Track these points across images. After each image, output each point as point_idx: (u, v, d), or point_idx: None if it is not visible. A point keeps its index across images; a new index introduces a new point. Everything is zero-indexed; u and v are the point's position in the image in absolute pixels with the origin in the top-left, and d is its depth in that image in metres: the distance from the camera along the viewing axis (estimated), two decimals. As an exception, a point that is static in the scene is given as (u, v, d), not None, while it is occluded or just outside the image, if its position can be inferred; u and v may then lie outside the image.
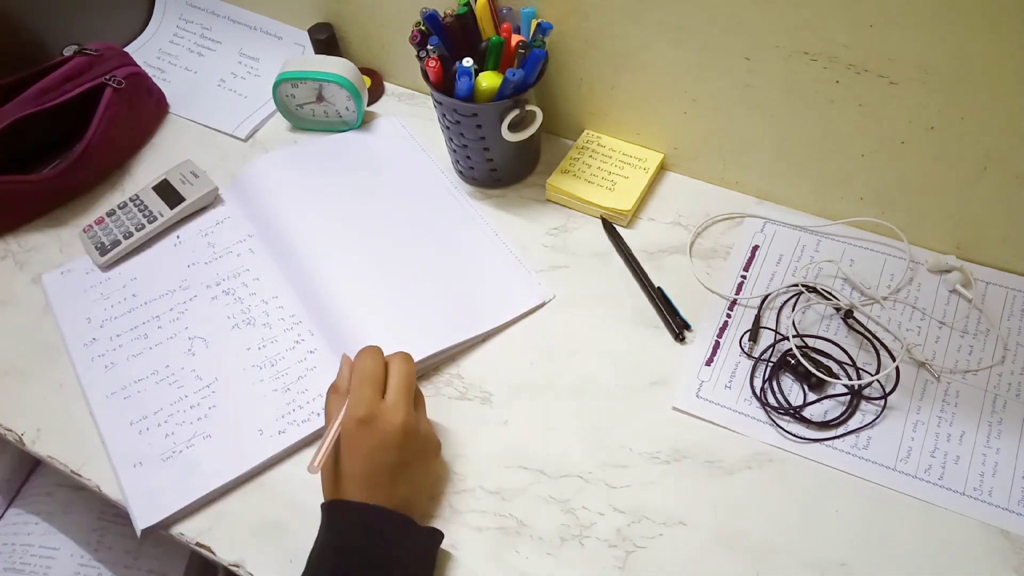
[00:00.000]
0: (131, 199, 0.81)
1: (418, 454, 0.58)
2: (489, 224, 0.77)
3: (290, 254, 0.75)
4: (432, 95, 0.75)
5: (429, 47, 0.70)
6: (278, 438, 0.64)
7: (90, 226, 0.79)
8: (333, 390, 0.59)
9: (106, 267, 0.77)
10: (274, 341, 0.70)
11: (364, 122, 0.89)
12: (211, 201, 0.82)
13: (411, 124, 0.89)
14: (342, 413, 0.56)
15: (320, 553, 0.54)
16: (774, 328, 0.69)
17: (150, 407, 0.67)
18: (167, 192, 0.81)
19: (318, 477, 0.56)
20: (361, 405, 0.56)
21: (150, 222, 0.79)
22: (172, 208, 0.79)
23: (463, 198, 0.80)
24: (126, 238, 0.78)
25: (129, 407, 0.67)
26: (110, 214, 0.80)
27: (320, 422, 0.64)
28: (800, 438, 0.62)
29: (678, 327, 0.69)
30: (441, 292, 0.72)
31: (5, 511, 0.89)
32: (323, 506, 0.56)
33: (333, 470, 0.56)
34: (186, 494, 0.61)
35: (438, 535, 0.58)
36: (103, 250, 0.77)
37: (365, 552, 0.53)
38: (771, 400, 0.65)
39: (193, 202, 0.80)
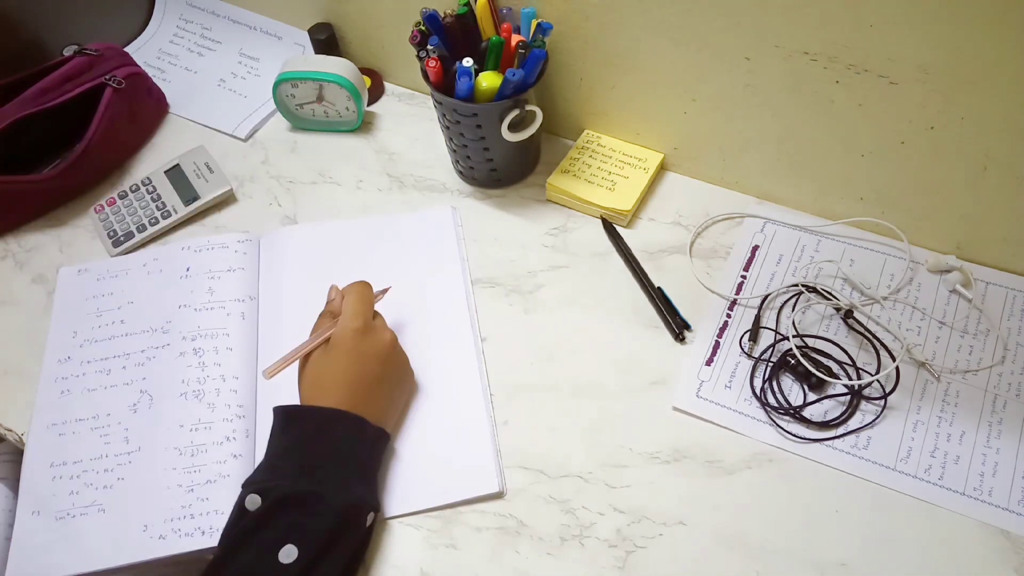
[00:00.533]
0: (143, 182, 0.82)
1: (398, 372, 0.65)
2: (487, 371, 0.68)
3: (272, 340, 0.70)
4: (432, 95, 0.75)
5: (429, 47, 0.70)
6: (156, 543, 0.59)
7: (102, 206, 0.80)
8: (327, 314, 0.64)
9: (115, 255, 0.78)
10: (208, 427, 0.64)
11: (365, 122, 0.89)
12: (225, 199, 0.82)
13: (412, 126, 0.89)
14: (329, 328, 0.61)
15: (299, 447, 0.57)
16: (774, 328, 0.69)
17: (73, 454, 0.64)
18: (180, 182, 0.81)
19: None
20: (359, 317, 0.62)
21: (164, 217, 0.80)
22: (187, 205, 0.80)
23: (477, 329, 0.71)
24: (140, 231, 0.79)
25: (58, 447, 0.64)
26: (122, 196, 0.81)
27: (200, 543, 0.59)
28: (800, 438, 0.62)
29: (678, 327, 0.69)
30: (397, 453, 0.64)
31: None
32: (305, 408, 0.59)
33: (318, 376, 0.60)
34: (59, 567, 0.59)
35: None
36: (116, 240, 0.78)
37: (343, 455, 0.57)
38: (771, 400, 0.65)
39: (207, 201, 0.81)
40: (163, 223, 0.80)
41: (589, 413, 0.65)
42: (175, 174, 0.82)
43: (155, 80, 0.91)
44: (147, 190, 0.81)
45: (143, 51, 0.99)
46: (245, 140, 0.90)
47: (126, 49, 0.92)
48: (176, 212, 0.80)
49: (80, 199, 0.84)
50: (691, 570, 0.57)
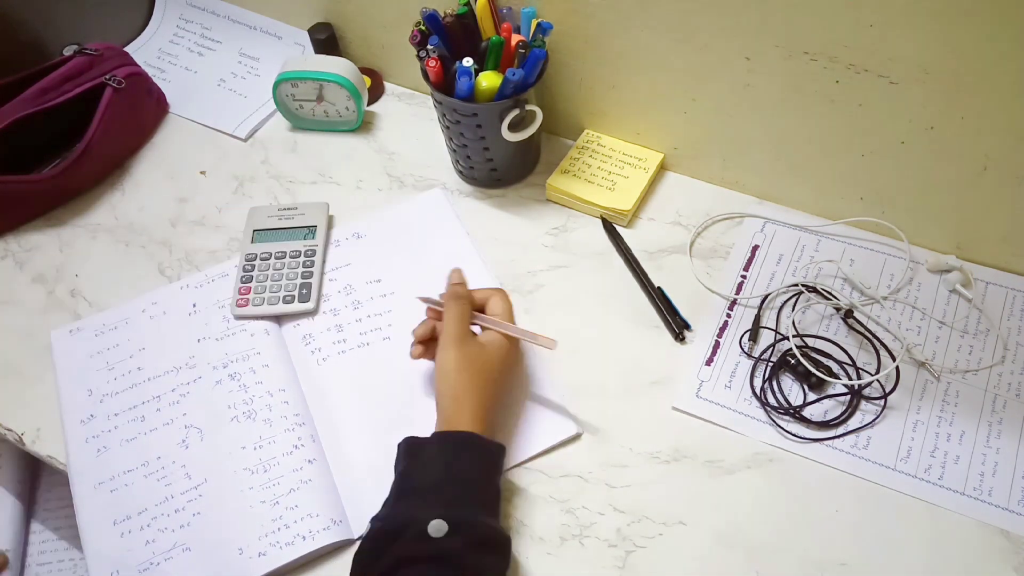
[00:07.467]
0: (247, 259, 0.75)
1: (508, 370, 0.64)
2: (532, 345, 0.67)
3: (302, 349, 0.71)
4: (432, 95, 0.75)
5: (429, 47, 0.70)
6: (258, 561, 0.58)
7: (243, 299, 0.72)
8: (457, 298, 0.62)
9: (315, 310, 0.73)
10: (272, 442, 0.63)
11: (365, 122, 0.89)
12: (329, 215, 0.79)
13: (412, 126, 0.89)
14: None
15: (473, 479, 0.55)
16: (774, 328, 0.69)
17: (135, 505, 0.61)
18: (279, 234, 0.77)
19: None
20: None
21: (309, 255, 0.75)
22: (312, 239, 0.76)
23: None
24: (307, 278, 0.74)
25: (114, 503, 0.62)
26: (245, 281, 0.73)
27: (304, 548, 0.58)
28: (800, 438, 0.62)
29: (678, 327, 0.69)
30: None
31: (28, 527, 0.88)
32: (456, 436, 0.56)
33: (478, 384, 0.58)
34: None
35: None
36: (303, 297, 0.72)
37: (496, 485, 0.57)
38: (771, 400, 0.65)
39: (324, 224, 0.78)
40: (317, 261, 0.75)
41: (589, 413, 0.65)
42: (263, 236, 0.77)
43: (155, 80, 0.91)
44: (261, 259, 0.75)
45: (143, 51, 0.99)
46: (245, 140, 0.90)
47: (126, 49, 0.92)
48: (315, 247, 0.76)
49: (80, 199, 0.84)
50: (691, 570, 0.57)
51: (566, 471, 0.62)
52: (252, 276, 0.74)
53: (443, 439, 0.56)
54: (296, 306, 0.72)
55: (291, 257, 0.75)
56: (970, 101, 0.61)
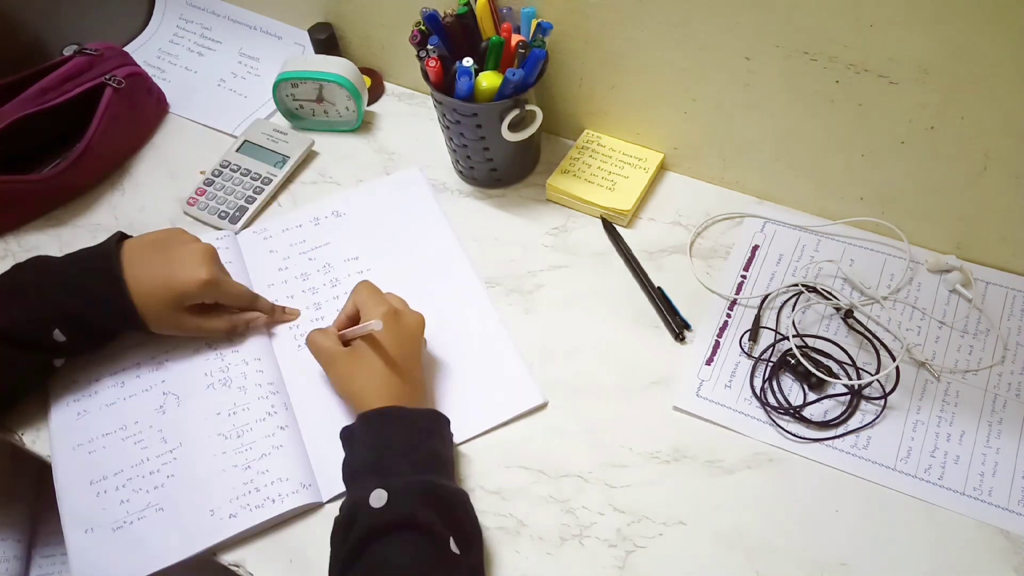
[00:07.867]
0: (221, 165, 0.81)
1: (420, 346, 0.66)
2: (499, 313, 0.71)
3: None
4: (432, 95, 0.75)
5: (429, 47, 0.70)
6: (228, 522, 0.59)
7: (194, 199, 0.78)
8: (341, 322, 0.65)
9: (240, 231, 0.78)
10: (246, 408, 0.65)
11: (365, 122, 0.89)
12: (309, 153, 0.85)
13: (412, 126, 0.89)
14: (369, 322, 0.60)
15: (399, 450, 0.56)
16: (774, 328, 0.69)
17: (111, 467, 0.63)
18: (258, 152, 0.82)
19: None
20: (382, 304, 0.62)
21: (265, 183, 0.80)
22: (280, 167, 0.81)
23: (478, 281, 0.74)
24: (249, 202, 0.78)
25: (91, 463, 0.63)
26: (208, 183, 0.80)
27: (273, 510, 0.60)
28: (800, 438, 0.63)
29: (678, 327, 0.69)
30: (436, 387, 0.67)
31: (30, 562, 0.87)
32: (376, 412, 0.58)
33: (370, 371, 0.60)
34: (131, 572, 0.58)
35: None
36: (232, 218, 0.77)
37: (433, 448, 0.58)
38: (771, 400, 0.65)
39: (297, 158, 0.83)
40: (268, 189, 0.81)
41: (589, 413, 0.65)
42: (249, 148, 0.84)
43: (155, 80, 0.91)
44: (231, 170, 0.81)
45: (143, 51, 0.99)
46: (245, 140, 0.90)
47: (126, 49, 0.92)
48: (274, 176, 0.81)
49: (80, 199, 0.84)
50: (691, 570, 0.57)
51: (566, 471, 0.62)
52: (214, 182, 0.78)
53: (364, 419, 0.58)
54: (224, 224, 0.76)
55: (252, 178, 0.79)
56: (970, 101, 0.61)
